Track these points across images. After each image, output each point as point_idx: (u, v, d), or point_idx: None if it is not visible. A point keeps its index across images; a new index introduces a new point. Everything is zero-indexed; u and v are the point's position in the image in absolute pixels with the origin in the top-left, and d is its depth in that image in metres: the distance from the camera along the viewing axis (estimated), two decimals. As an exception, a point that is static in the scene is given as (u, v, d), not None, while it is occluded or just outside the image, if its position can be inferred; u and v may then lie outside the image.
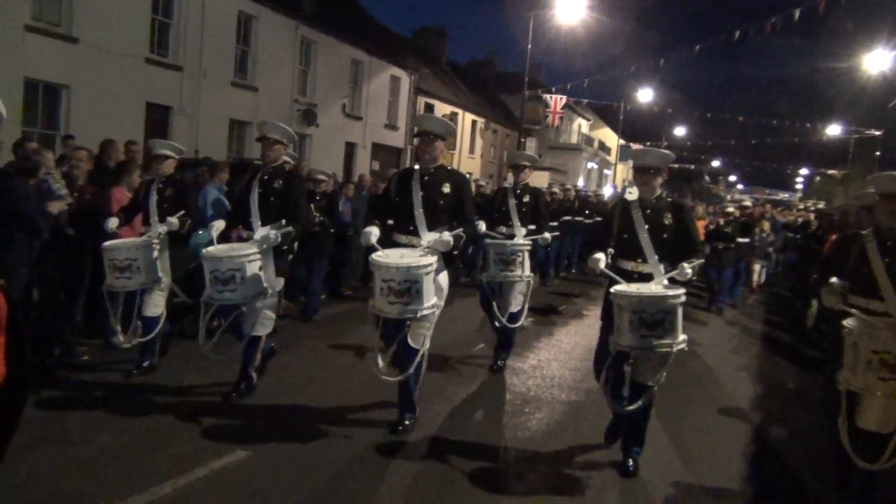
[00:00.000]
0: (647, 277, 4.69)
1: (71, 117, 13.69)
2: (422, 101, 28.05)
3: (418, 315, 4.71)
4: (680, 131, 51.82)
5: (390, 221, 5.35)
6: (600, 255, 4.76)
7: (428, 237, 5.01)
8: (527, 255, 6.83)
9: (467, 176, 5.41)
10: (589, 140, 48.45)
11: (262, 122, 5.94)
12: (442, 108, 29.91)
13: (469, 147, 33.74)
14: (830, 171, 50.29)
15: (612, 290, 4.58)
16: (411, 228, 5.10)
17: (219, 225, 5.72)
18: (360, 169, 23.02)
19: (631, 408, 4.59)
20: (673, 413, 5.95)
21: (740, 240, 12.65)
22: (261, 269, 5.41)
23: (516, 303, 6.91)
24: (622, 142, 46.01)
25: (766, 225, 15.41)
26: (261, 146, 5.88)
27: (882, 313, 4.31)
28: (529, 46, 25.69)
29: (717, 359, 8.51)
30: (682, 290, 4.46)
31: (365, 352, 7.02)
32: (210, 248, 5.42)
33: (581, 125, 48.61)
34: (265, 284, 5.44)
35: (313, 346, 7.50)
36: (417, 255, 4.84)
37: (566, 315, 10.78)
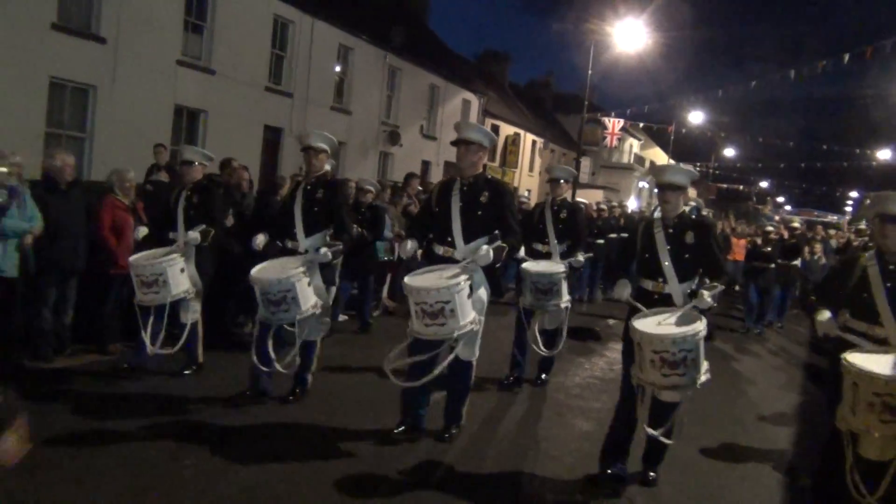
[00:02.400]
0: (667, 298, 4.58)
1: (207, 138, 15.84)
2: (489, 122, 29.93)
3: (455, 335, 4.58)
4: (729, 152, 52.77)
5: (431, 235, 5.30)
6: (626, 282, 4.73)
7: (465, 249, 4.91)
8: (564, 283, 6.64)
9: (510, 185, 5.34)
10: (640, 160, 49.82)
11: (305, 133, 5.80)
12: (506, 129, 31.82)
13: (529, 166, 35.52)
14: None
15: (631, 323, 4.40)
16: (449, 239, 5.00)
17: (260, 239, 5.63)
18: (434, 185, 24.90)
19: (658, 432, 4.40)
20: (711, 455, 5.54)
21: (793, 262, 12.26)
22: (309, 284, 5.36)
23: (551, 320, 6.79)
24: (672, 162, 47.41)
25: (819, 247, 14.58)
26: (304, 156, 5.81)
27: (882, 340, 4.17)
28: (589, 72, 27.36)
29: (762, 396, 7.87)
30: (703, 325, 4.27)
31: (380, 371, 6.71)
32: (259, 270, 5.32)
33: (633, 145, 50.05)
34: (315, 298, 5.41)
35: (342, 363, 7.14)
36: (449, 274, 4.69)
37: (604, 337, 10.10)
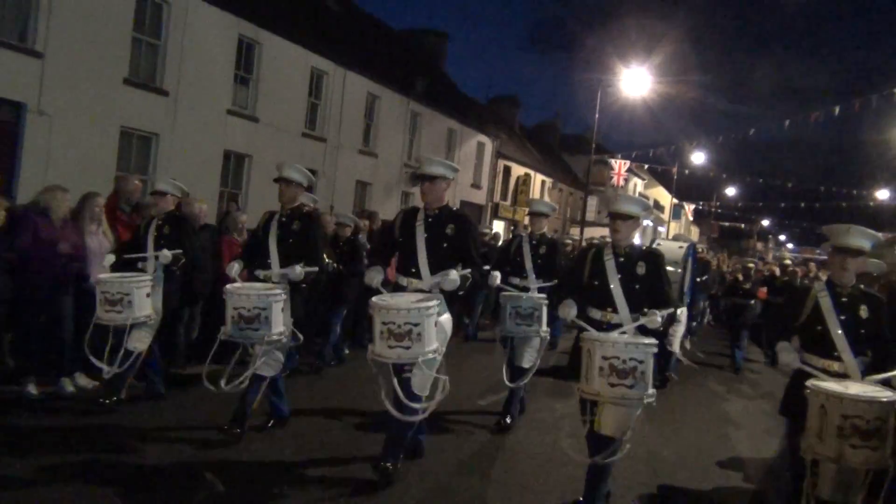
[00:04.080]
0: (616, 328, 4.48)
1: (250, 180, 17.24)
2: (501, 163, 31.48)
3: (419, 360, 4.50)
4: (731, 191, 54.23)
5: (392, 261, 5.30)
6: (572, 303, 4.56)
7: (430, 280, 4.86)
8: (544, 309, 6.51)
9: (471, 217, 5.45)
10: (649, 203, 51.28)
11: (280, 164, 5.83)
12: (517, 170, 33.34)
13: (538, 204, 36.91)
14: (879, 234, 51.59)
15: (583, 333, 4.37)
16: (413, 270, 4.95)
17: (235, 266, 5.67)
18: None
19: (601, 459, 4.27)
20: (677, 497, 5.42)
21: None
22: (283, 310, 5.34)
23: (528, 358, 6.58)
24: (675, 201, 49.11)
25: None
26: (278, 187, 5.76)
27: (841, 375, 4.06)
28: (597, 116, 28.82)
29: (744, 440, 7.41)
30: (654, 340, 4.21)
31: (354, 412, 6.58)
32: (235, 285, 5.37)
33: (637, 184, 51.59)
34: (284, 326, 5.36)
35: (317, 399, 7.03)
36: (419, 297, 4.70)
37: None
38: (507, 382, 6.56)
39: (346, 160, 20.68)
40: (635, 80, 27.61)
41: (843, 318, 4.14)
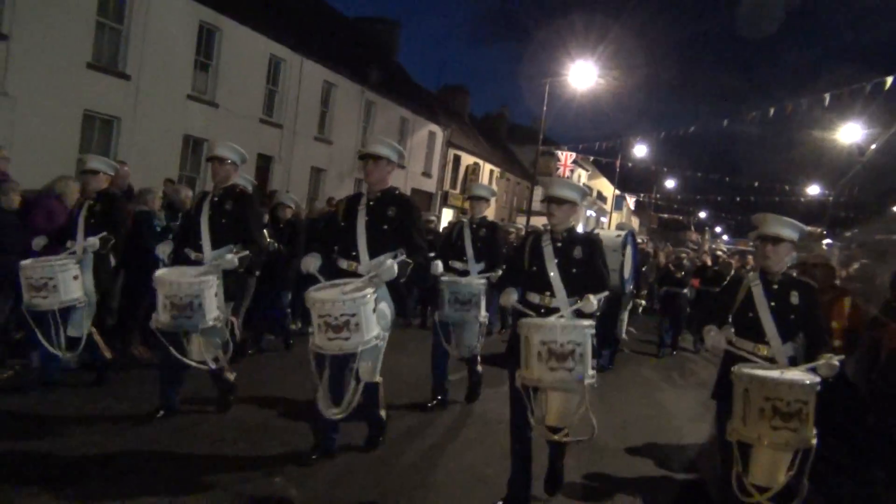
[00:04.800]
0: (554, 311, 4.52)
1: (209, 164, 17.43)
2: (452, 152, 32.10)
3: (359, 350, 4.46)
4: (670, 184, 55.93)
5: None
6: (513, 290, 4.70)
7: (369, 264, 4.80)
8: (483, 295, 6.60)
9: (415, 201, 5.45)
10: (588, 189, 52.66)
11: (213, 142, 5.83)
12: (467, 159, 34.02)
13: (486, 193, 37.64)
14: (809, 228, 54.00)
15: (521, 320, 4.41)
16: (353, 254, 4.90)
17: (165, 248, 5.55)
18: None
19: (559, 436, 4.35)
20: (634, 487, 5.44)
21: (717, 290, 11.73)
22: (216, 294, 5.18)
23: (470, 337, 6.73)
24: (617, 192, 50.60)
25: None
26: (210, 166, 5.66)
27: (769, 359, 4.23)
28: (545, 108, 29.66)
29: (684, 432, 7.29)
30: (591, 324, 4.27)
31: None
32: (164, 272, 5.16)
33: (581, 175, 52.81)
34: (218, 311, 5.23)
35: (269, 384, 6.93)
36: (353, 287, 4.58)
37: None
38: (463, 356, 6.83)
39: (301, 147, 21.04)
40: (582, 74, 28.40)
41: (773, 304, 4.31)
